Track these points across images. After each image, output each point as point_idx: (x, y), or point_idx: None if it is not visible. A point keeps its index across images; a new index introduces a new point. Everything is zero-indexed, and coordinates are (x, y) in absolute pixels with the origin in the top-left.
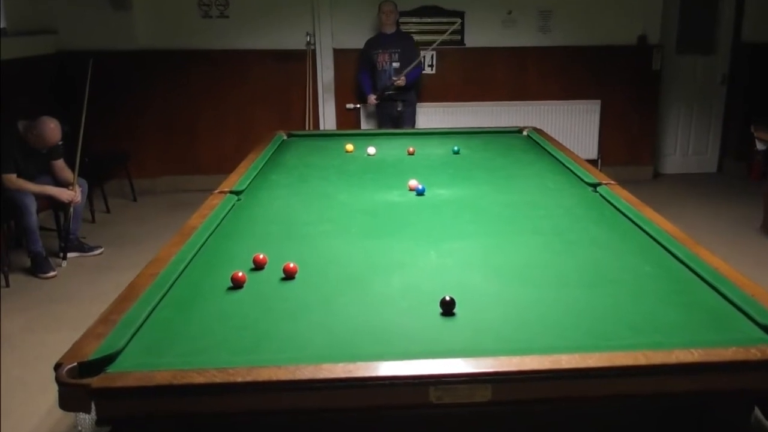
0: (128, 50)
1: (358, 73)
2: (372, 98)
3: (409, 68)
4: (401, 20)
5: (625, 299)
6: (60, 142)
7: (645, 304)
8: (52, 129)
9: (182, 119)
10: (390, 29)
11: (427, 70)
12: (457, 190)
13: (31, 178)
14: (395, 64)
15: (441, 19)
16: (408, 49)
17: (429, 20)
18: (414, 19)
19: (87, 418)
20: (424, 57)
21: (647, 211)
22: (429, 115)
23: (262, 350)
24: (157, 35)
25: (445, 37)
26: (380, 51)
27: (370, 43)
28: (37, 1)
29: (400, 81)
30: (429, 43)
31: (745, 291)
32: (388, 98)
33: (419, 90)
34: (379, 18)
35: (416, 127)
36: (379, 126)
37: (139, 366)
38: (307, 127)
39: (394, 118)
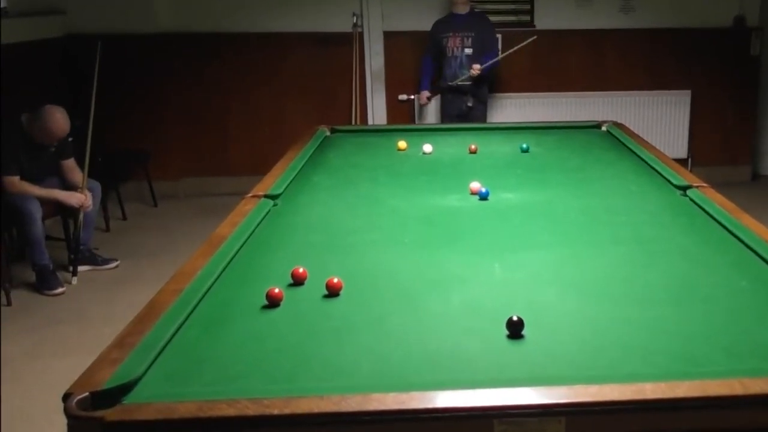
0: (147, 33)
1: (422, 58)
2: (424, 95)
3: (491, 63)
4: None
5: (718, 319)
6: (69, 138)
7: (742, 324)
8: (58, 120)
9: (210, 113)
10: (462, 9)
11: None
12: (525, 194)
13: (36, 181)
14: (467, 50)
15: None
16: (483, 32)
17: None
18: None
19: None
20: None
21: (745, 218)
22: (494, 108)
23: (302, 378)
24: (181, 16)
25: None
26: (450, 34)
27: (438, 25)
28: None
29: (475, 71)
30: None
31: None
32: (456, 91)
33: (493, 84)
34: None
35: None
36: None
37: (161, 396)
38: (353, 122)
39: (462, 114)
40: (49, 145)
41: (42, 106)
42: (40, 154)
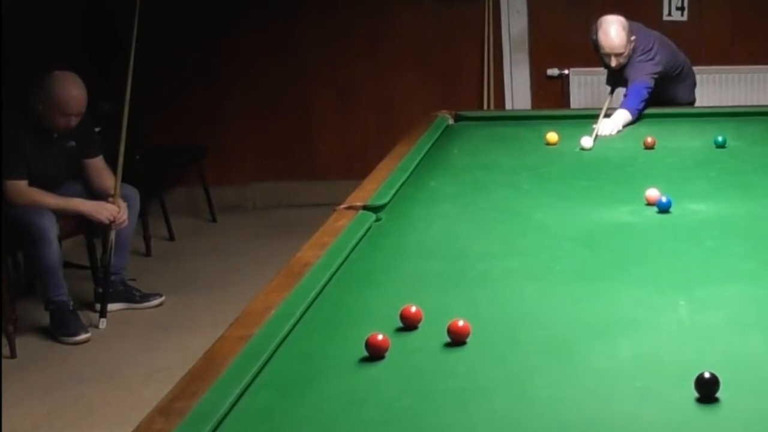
0: None
1: None
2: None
3: (632, 98)
4: None
5: None
6: (96, 129)
7: None
8: (68, 88)
9: (289, 95)
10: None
11: (675, 16)
12: (722, 205)
13: (51, 186)
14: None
15: None
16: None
17: None
18: None
19: None
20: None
21: None
22: None
23: None
24: None
25: None
26: None
27: None
28: None
29: (607, 130)
30: None
31: None
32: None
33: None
34: None
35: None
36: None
37: None
38: (484, 106)
39: None
40: (62, 129)
41: (49, 74)
42: (56, 149)
